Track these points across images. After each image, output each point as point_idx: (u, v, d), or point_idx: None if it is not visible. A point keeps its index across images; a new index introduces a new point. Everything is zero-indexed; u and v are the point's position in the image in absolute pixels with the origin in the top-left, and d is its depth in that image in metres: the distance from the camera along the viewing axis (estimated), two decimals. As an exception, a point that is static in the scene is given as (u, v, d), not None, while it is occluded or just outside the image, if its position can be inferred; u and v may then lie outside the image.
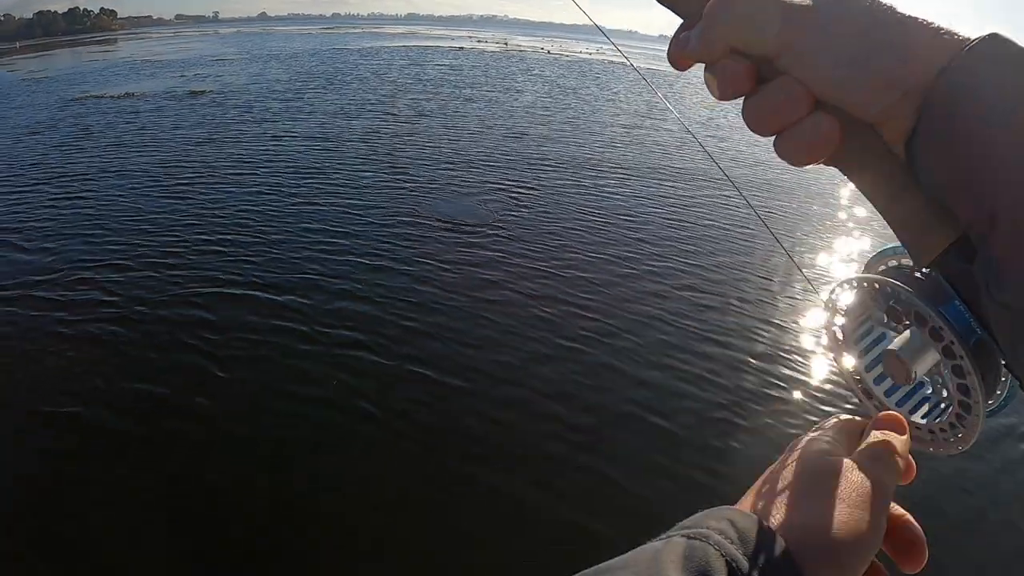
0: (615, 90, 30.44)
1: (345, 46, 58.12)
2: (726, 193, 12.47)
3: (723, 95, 0.54)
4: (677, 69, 0.60)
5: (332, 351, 6.31)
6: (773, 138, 0.53)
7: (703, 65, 0.56)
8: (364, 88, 26.89)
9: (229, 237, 9.34)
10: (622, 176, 13.77)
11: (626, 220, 10.99)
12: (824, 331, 0.70)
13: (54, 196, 11.46)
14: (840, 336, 0.69)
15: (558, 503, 4.46)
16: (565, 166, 14.25)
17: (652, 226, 10.74)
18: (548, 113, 21.54)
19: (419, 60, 41.65)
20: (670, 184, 13.37)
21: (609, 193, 12.49)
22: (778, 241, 10.59)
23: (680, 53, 0.57)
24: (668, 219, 11.18)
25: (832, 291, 0.67)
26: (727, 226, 10.97)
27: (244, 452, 4.97)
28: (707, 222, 11.25)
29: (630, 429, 5.32)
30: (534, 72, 37.14)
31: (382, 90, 26.42)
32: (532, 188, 12.45)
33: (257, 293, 7.51)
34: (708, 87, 0.56)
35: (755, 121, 0.53)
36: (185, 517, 4.26)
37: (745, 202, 11.42)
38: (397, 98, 24.17)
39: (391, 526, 4.26)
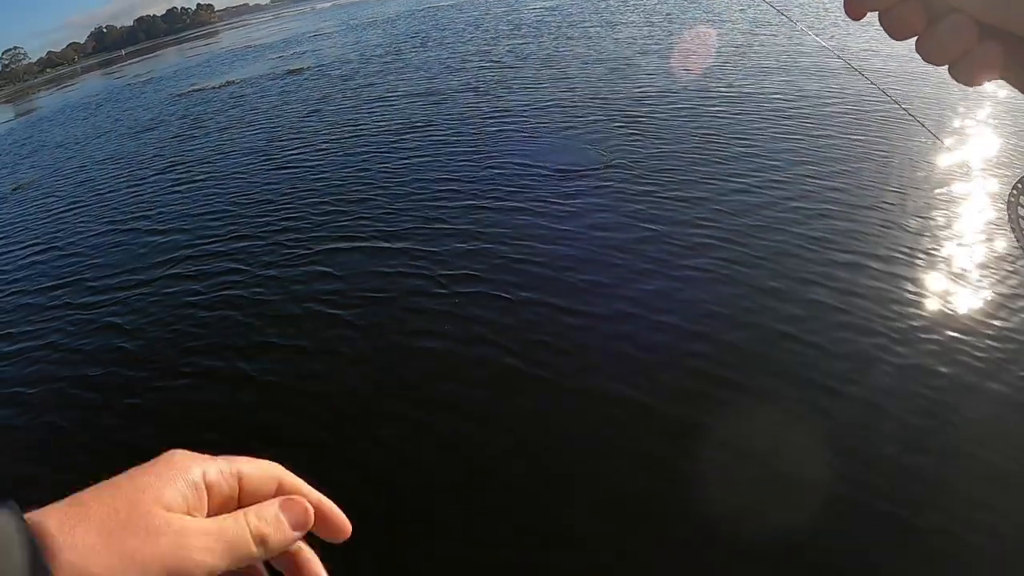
0: (717, 10, 28.44)
1: (439, 2, 57.56)
2: (860, 91, 10.98)
3: (900, 36, 0.59)
4: (852, 18, 0.63)
5: (453, 293, 6.31)
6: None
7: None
8: (463, 41, 25.44)
9: (345, 198, 9.42)
10: (736, 96, 12.26)
11: (747, 139, 9.71)
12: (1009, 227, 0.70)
13: (177, 181, 12.15)
14: None
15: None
16: (674, 94, 12.88)
17: (776, 142, 9.41)
18: (650, 42, 20.06)
19: (515, 4, 40.43)
20: (792, 94, 11.78)
21: (723, 116, 11.10)
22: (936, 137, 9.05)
23: (859, 3, 0.61)
24: (794, 131, 9.79)
25: (1014, 187, 0.67)
26: (866, 126, 9.56)
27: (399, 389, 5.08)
28: (843, 125, 9.77)
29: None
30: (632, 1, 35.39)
31: (482, 40, 24.87)
32: (643, 121, 10.99)
33: (382, 243, 7.62)
34: (886, 30, 0.60)
35: (933, 55, 0.58)
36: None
37: (883, 94, 9.93)
38: (498, 45, 22.57)
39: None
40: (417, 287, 6.51)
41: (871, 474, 3.91)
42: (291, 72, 24.23)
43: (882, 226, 6.54)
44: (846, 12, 0.61)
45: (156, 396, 5.65)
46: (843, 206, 7.06)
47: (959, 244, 6.12)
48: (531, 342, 5.33)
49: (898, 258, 5.92)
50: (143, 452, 0.54)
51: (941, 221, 6.62)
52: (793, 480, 3.88)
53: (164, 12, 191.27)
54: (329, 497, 0.64)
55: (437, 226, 7.87)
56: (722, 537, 3.59)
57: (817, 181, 7.74)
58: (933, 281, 5.58)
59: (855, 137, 9.15)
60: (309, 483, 0.63)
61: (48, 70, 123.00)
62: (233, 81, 24.87)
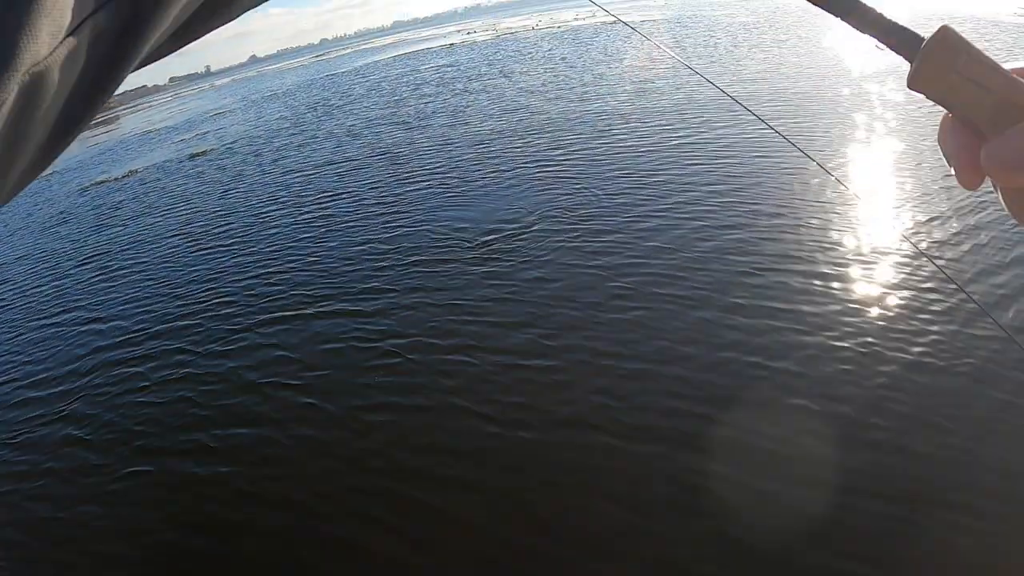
0: (612, 50, 29.76)
1: (338, 70, 57.94)
2: (754, 128, 12.05)
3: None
4: (966, 186, 0.56)
5: (381, 355, 6.79)
6: None
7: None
8: (367, 106, 26.34)
9: (274, 271, 9.87)
10: (642, 132, 13.30)
11: (654, 175, 10.61)
12: None
13: (103, 270, 12.27)
14: None
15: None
16: (585, 136, 13.86)
17: (688, 174, 10.38)
18: (551, 88, 21.03)
19: (414, 66, 41.22)
20: (695, 130, 12.89)
21: (634, 153, 12.06)
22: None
23: (1005, 170, 0.51)
24: (704, 165, 10.80)
25: None
26: (763, 160, 10.56)
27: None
28: (738, 159, 10.84)
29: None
30: (528, 52, 36.44)
31: (385, 103, 25.97)
32: (554, 170, 11.97)
33: (316, 312, 8.09)
34: (1005, 205, 0.55)
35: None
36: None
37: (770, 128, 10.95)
38: (402, 107, 23.70)
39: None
40: (360, 356, 6.84)
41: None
42: (196, 155, 24.20)
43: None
44: (962, 180, 0.55)
45: (112, 500, 5.60)
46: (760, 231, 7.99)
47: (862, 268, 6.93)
48: (491, 397, 5.72)
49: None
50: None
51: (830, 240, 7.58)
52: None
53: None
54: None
55: (371, 293, 8.29)
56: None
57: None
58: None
59: (754, 177, 10.17)
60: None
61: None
62: (138, 169, 24.68)
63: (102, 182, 23.99)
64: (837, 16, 0.59)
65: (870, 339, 5.62)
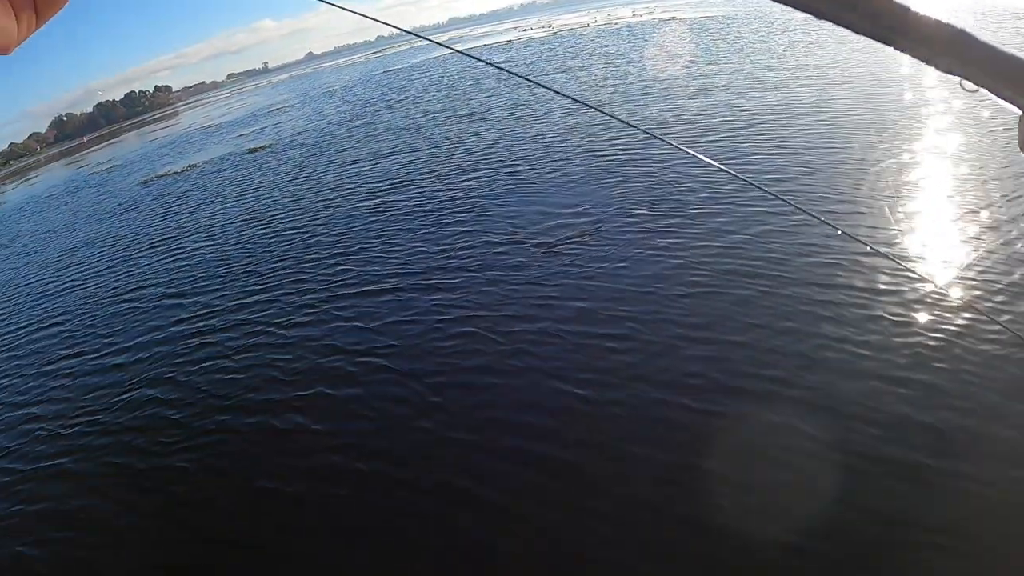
0: (670, 46, 28.98)
1: (395, 66, 58.15)
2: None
3: None
4: None
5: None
6: None
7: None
8: (425, 100, 26.02)
9: (347, 249, 10.09)
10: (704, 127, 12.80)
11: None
12: None
13: (175, 253, 12.67)
14: None
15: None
16: (652, 130, 13.26)
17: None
18: (609, 84, 20.51)
19: (470, 63, 41.04)
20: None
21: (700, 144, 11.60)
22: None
23: None
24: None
25: None
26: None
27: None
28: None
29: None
30: (586, 49, 35.94)
31: (443, 98, 25.55)
32: (621, 161, 11.64)
33: (392, 289, 8.24)
34: None
35: None
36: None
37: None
38: (461, 101, 23.38)
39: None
40: (437, 333, 6.90)
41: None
42: (250, 151, 24.18)
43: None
44: None
45: (194, 455, 5.84)
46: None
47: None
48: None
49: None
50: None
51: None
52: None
53: (122, 96, 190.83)
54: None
55: (441, 272, 8.41)
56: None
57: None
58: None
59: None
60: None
61: (11, 162, 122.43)
62: (194, 165, 24.88)
63: (164, 175, 24.21)
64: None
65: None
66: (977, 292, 6.04)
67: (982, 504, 3.97)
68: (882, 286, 6.26)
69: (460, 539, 4.32)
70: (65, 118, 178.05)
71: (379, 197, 12.69)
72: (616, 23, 56.34)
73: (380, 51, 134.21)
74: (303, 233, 11.57)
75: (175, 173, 23.92)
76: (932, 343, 5.36)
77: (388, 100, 29.99)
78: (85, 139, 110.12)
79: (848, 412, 4.74)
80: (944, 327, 5.53)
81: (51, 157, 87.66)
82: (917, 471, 4.20)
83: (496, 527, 4.36)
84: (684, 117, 14.23)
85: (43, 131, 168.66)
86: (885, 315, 5.80)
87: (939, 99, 12.57)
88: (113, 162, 38.37)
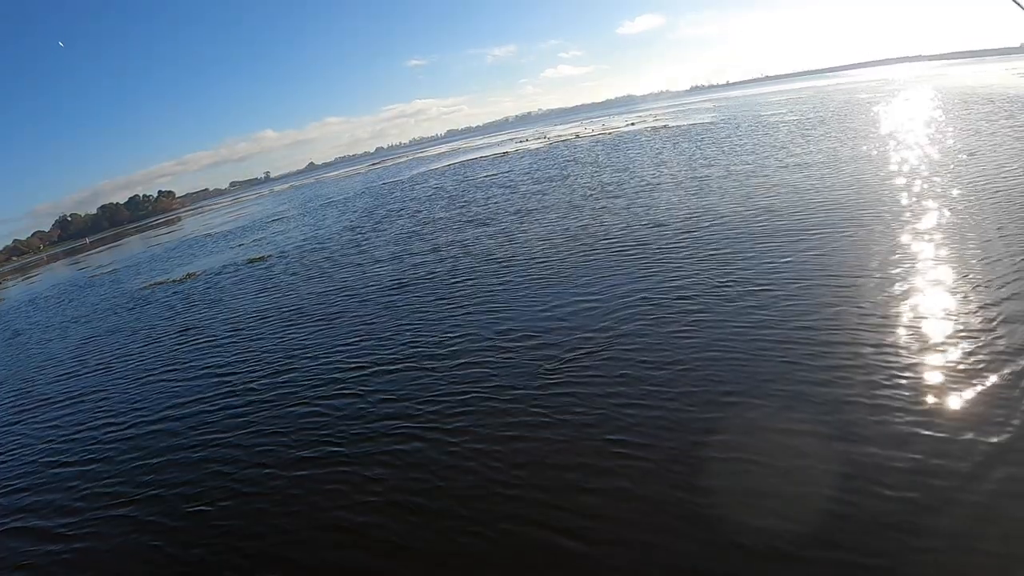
0: (660, 153, 29.52)
1: (395, 177, 59.20)
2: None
3: None
4: None
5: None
6: None
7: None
8: (428, 208, 26.02)
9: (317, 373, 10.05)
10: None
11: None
12: None
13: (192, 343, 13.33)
14: None
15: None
16: (661, 231, 13.47)
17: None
18: (608, 190, 20.68)
19: (467, 175, 41.70)
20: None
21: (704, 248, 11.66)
22: None
23: None
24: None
25: None
26: None
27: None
28: None
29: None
30: (580, 157, 36.50)
31: (446, 206, 26.08)
32: (630, 256, 11.74)
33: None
34: None
35: None
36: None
37: None
38: (466, 208, 23.83)
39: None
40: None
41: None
42: (250, 262, 24.06)
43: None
44: None
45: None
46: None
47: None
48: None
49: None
50: None
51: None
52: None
53: (127, 199, 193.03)
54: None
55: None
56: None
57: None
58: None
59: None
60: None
61: (14, 258, 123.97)
62: (192, 274, 24.75)
63: (155, 284, 24.12)
64: None
65: None
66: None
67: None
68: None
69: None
70: (70, 218, 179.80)
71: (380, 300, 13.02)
72: (610, 133, 57.78)
73: (381, 162, 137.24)
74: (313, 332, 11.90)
75: (171, 281, 23.84)
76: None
77: (391, 210, 30.35)
78: (88, 240, 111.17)
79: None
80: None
81: (54, 256, 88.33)
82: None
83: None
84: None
85: (47, 229, 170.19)
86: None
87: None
88: (113, 266, 38.55)
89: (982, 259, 9.12)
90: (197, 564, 5.76)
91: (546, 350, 8.79)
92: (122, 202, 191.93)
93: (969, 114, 27.82)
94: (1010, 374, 5.99)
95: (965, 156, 17.67)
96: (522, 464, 6.18)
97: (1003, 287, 8.01)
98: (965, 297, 7.91)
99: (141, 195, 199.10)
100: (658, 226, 14.86)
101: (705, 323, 8.65)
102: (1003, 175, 14.31)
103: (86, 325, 19.36)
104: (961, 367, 6.29)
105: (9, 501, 7.86)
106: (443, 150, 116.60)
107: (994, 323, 7.06)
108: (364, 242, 22.26)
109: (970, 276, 8.58)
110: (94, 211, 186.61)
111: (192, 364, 11.98)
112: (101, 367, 13.54)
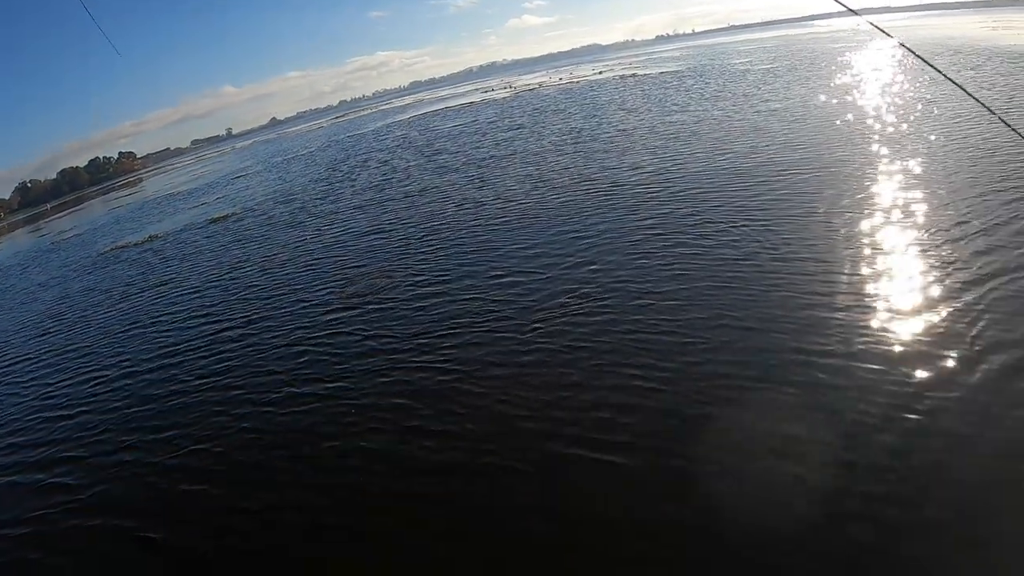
0: (626, 101, 29.40)
1: (360, 130, 58.35)
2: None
3: None
4: None
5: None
6: None
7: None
8: (392, 162, 25.96)
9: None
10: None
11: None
12: None
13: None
14: None
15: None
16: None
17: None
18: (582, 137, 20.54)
19: (430, 126, 41.17)
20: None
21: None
22: None
23: None
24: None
25: None
26: None
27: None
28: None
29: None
30: (559, 108, 36.33)
31: (415, 156, 25.50)
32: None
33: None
34: None
35: None
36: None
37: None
38: (423, 161, 23.00)
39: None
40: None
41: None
42: (212, 221, 23.82)
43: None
44: None
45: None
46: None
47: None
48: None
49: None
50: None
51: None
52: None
53: (87, 163, 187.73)
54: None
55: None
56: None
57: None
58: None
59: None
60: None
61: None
62: (155, 236, 24.44)
63: (118, 248, 23.66)
64: None
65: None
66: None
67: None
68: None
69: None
70: (29, 184, 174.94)
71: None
72: (578, 81, 57.24)
73: (344, 115, 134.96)
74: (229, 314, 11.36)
75: (134, 245, 23.36)
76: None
77: (354, 165, 29.83)
78: (48, 206, 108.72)
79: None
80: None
81: (15, 223, 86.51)
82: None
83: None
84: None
85: (7, 197, 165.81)
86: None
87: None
88: (74, 231, 37.76)
89: (936, 204, 9.63)
90: (204, 499, 5.89)
91: (530, 283, 9.16)
92: (82, 166, 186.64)
93: (935, 64, 28.10)
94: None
95: (922, 105, 18.11)
96: (531, 387, 6.46)
97: (959, 225, 8.61)
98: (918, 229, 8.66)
99: (101, 158, 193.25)
100: (634, 169, 14.94)
101: (683, 255, 9.08)
102: (959, 124, 14.70)
103: (58, 287, 19.05)
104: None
105: (8, 459, 7.78)
106: (408, 101, 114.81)
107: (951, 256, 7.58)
108: (333, 193, 22.15)
109: (923, 217, 9.25)
110: (53, 176, 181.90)
111: (174, 314, 12.04)
112: (80, 323, 13.45)
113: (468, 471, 5.41)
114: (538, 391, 6.38)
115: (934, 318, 6.28)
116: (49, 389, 9.94)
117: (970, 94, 3.20)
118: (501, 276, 9.70)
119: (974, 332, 5.92)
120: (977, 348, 5.67)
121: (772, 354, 6.14)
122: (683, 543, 4.28)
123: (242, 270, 13.96)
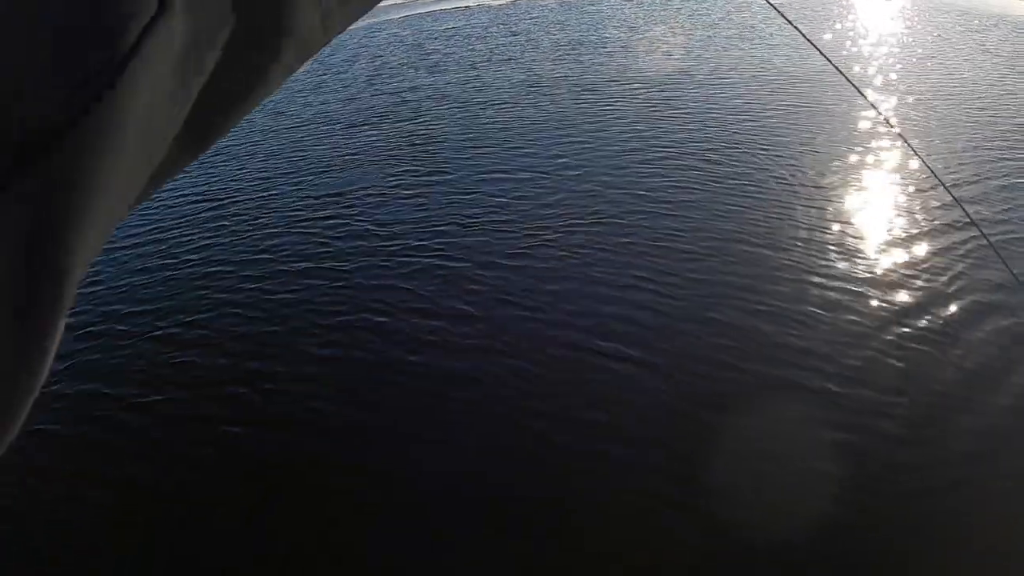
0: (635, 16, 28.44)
1: (346, 36, 55.86)
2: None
3: None
4: None
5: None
6: None
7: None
8: (382, 57, 24.12)
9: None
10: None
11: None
12: None
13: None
14: None
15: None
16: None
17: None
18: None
19: (426, 27, 39.18)
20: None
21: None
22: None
23: None
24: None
25: None
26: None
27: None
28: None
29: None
30: (551, 20, 34.87)
31: (402, 56, 24.21)
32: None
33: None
34: None
35: None
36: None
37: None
38: (421, 59, 22.71)
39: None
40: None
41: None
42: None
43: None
44: None
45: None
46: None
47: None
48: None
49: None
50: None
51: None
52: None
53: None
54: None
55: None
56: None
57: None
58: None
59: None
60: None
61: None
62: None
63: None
64: None
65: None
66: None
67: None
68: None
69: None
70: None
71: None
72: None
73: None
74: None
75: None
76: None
77: (346, 57, 28.15)
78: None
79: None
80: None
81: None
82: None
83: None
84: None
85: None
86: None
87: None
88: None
89: (927, 152, 10.20)
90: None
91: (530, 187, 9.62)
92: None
93: (942, 22, 27.23)
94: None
95: (917, 58, 18.16)
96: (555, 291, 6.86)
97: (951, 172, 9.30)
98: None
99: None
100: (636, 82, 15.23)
101: (680, 169, 9.83)
102: (953, 79, 15.25)
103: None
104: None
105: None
106: (392, 1, 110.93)
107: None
108: (325, 85, 20.93)
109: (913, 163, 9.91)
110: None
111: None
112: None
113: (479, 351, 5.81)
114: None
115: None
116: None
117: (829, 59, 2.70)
118: (501, 177, 10.04)
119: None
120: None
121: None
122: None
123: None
